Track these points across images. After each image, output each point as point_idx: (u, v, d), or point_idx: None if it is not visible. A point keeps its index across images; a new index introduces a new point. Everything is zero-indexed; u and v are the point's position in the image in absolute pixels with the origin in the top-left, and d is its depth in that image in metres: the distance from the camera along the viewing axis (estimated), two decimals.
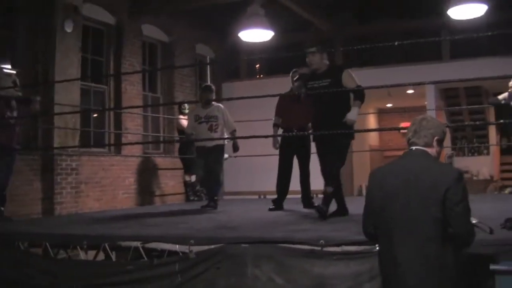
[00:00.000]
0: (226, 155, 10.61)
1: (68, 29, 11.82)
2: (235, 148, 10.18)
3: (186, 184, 13.99)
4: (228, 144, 10.56)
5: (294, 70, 9.35)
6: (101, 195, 13.10)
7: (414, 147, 4.15)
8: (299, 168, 9.38)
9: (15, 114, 9.09)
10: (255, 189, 15.86)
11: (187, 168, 13.66)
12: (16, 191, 10.69)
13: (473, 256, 4.61)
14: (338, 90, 7.32)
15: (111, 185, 13.44)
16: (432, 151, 4.13)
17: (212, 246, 5.78)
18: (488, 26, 12.31)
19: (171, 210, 10.25)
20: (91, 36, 13.72)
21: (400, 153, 4.35)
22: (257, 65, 20.58)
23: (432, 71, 15.09)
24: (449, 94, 19.16)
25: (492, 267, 4.53)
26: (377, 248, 4.34)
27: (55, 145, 11.47)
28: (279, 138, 9.34)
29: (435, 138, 4.12)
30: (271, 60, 19.56)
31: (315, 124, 8.08)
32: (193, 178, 13.00)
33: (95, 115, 14.12)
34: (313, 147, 8.24)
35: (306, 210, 8.86)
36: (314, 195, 9.83)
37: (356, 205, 6.94)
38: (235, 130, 10.16)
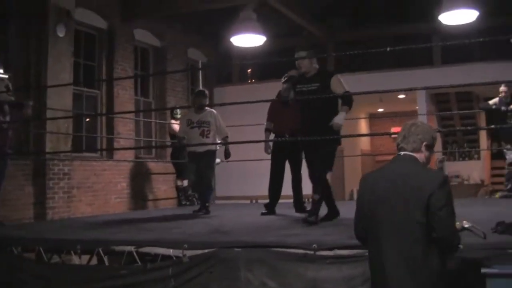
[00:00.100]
0: (218, 160, 10.61)
1: (61, 33, 11.81)
2: (227, 155, 10.17)
3: (178, 188, 14.00)
4: (220, 149, 10.58)
5: (285, 75, 9.38)
6: (93, 200, 13.09)
7: (402, 153, 4.20)
8: (291, 173, 9.40)
9: (7, 118, 9.09)
10: (247, 193, 15.89)
11: (179, 173, 13.67)
12: (8, 196, 10.65)
13: (465, 260, 4.65)
14: (326, 96, 7.27)
15: (103, 190, 13.43)
16: (420, 156, 4.16)
17: (206, 251, 5.80)
18: (479, 32, 12.39)
19: (163, 215, 10.24)
20: (83, 40, 13.73)
21: (392, 157, 4.39)
22: (249, 70, 20.62)
23: (423, 76, 15.17)
24: (440, 99, 19.21)
25: (483, 270, 4.56)
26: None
27: (47, 149, 11.45)
28: (271, 143, 9.37)
29: (424, 143, 4.15)
30: (263, 65, 19.58)
31: (303, 129, 7.91)
32: (185, 183, 13.01)
33: (87, 119, 14.12)
34: None
35: (298, 215, 8.84)
36: (306, 200, 9.85)
37: (347, 209, 6.95)
38: (227, 136, 10.12)
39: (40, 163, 11.55)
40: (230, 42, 12.65)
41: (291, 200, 9.56)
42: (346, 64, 17.90)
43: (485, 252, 4.69)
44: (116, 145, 13.98)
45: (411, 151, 4.16)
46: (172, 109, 13.97)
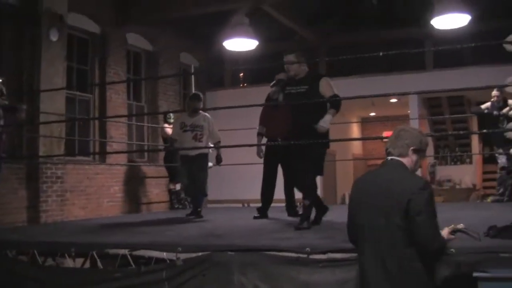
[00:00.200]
0: (210, 164, 10.61)
1: (54, 38, 11.80)
2: (218, 160, 10.14)
3: (171, 192, 14.03)
4: (211, 154, 10.57)
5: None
6: (87, 203, 13.10)
7: (389, 157, 4.26)
8: (283, 177, 9.42)
9: (1, 122, 9.09)
10: (239, 197, 15.90)
11: (172, 177, 13.69)
12: (2, 200, 10.68)
13: (456, 264, 4.69)
14: (314, 100, 7.24)
15: (96, 193, 13.44)
16: (407, 161, 4.22)
17: (199, 254, 5.82)
18: (471, 36, 12.47)
19: (157, 218, 10.26)
20: (76, 45, 13.73)
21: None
22: (241, 74, 20.64)
23: (415, 80, 15.18)
24: (432, 103, 19.29)
25: (475, 274, 4.59)
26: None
27: (41, 153, 11.43)
28: (263, 147, 9.38)
29: (411, 148, 4.21)
30: (255, 69, 19.59)
31: (293, 131, 7.74)
32: (178, 186, 13.03)
33: (80, 123, 14.11)
34: None
35: (290, 219, 8.85)
36: (298, 204, 9.85)
37: (339, 213, 6.96)
38: (219, 141, 10.14)
39: (33, 167, 11.54)
40: (223, 46, 12.69)
41: (283, 204, 9.59)
42: (338, 68, 17.91)
43: (477, 256, 4.72)
44: (109, 149, 14.01)
45: (398, 156, 4.23)
46: (165, 113, 13.99)
